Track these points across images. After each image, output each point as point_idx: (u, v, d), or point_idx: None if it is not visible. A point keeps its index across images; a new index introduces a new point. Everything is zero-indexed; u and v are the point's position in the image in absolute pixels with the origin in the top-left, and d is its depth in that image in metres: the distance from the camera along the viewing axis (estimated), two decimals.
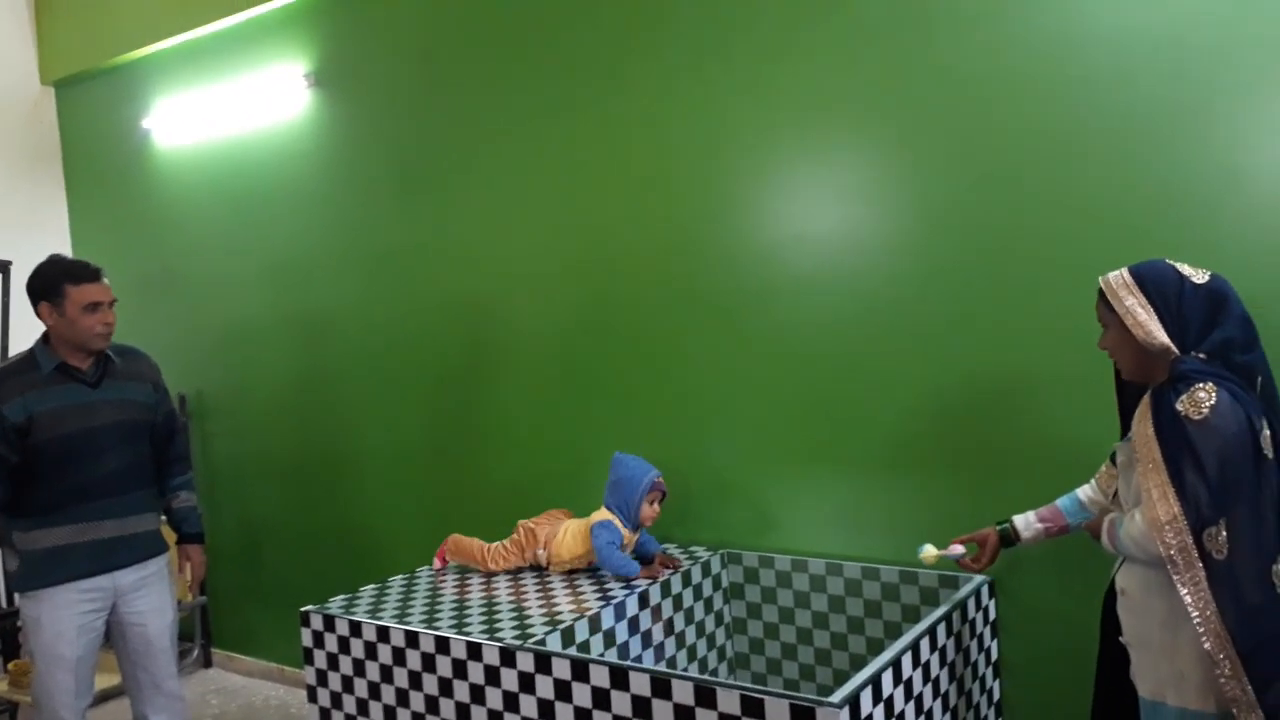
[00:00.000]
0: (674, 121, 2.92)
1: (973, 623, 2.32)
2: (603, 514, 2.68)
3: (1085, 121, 2.29)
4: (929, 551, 2.21)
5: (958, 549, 2.21)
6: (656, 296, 2.99)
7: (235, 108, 4.02)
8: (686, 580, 2.69)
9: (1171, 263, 1.82)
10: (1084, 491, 2.12)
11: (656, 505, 2.72)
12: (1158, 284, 1.79)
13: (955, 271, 2.48)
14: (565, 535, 2.73)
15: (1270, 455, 1.68)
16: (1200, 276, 1.79)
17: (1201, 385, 1.68)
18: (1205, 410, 1.66)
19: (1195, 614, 1.65)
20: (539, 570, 2.78)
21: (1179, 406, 1.69)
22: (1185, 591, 1.66)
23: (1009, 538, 2.16)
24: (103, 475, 2.62)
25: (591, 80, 3.07)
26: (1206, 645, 1.64)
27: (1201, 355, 1.75)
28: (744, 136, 2.79)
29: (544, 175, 3.21)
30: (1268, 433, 1.69)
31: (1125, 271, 1.83)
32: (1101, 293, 1.86)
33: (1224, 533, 1.65)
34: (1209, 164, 2.16)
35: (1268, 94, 2.09)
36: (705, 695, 1.85)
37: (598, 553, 2.62)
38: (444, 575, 2.81)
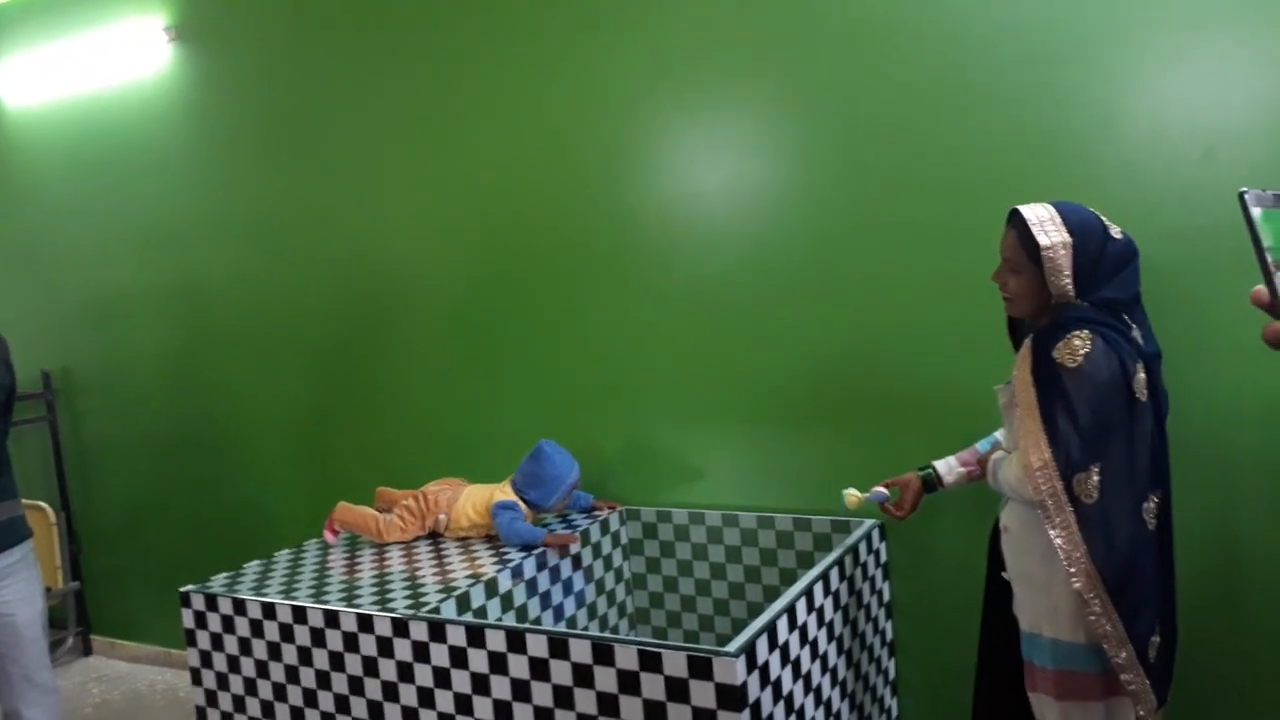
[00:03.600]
0: (563, 76, 2.84)
1: (864, 566, 2.36)
2: (506, 492, 2.64)
3: (968, 70, 2.30)
4: (852, 494, 2.21)
5: (882, 491, 2.20)
6: (552, 257, 2.93)
7: (90, 64, 3.76)
8: (585, 539, 2.67)
9: (1091, 209, 1.82)
10: (1001, 432, 2.13)
11: (568, 499, 2.71)
12: (1085, 228, 1.77)
13: (849, 223, 2.48)
14: (466, 502, 2.67)
15: (1144, 398, 1.73)
16: (1117, 231, 1.80)
17: (1078, 333, 1.71)
18: (1080, 358, 1.69)
19: (1064, 557, 1.70)
20: (434, 538, 2.72)
21: (1055, 354, 1.72)
22: (1056, 534, 1.71)
23: (931, 483, 2.16)
24: None
25: (477, 33, 2.96)
26: (1077, 585, 1.70)
27: (1086, 303, 1.77)
28: (635, 91, 2.73)
29: (430, 134, 3.09)
30: (1142, 376, 1.73)
31: (1050, 206, 1.79)
32: (1019, 224, 1.81)
33: (1095, 477, 1.69)
34: (1086, 110, 2.20)
35: (1142, 38, 2.13)
36: (603, 653, 1.84)
37: (499, 530, 2.57)
38: (334, 548, 2.72)
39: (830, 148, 2.49)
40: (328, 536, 2.77)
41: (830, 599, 2.14)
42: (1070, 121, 2.21)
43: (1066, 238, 1.76)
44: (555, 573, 2.54)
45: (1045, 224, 1.77)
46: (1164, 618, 1.78)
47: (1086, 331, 1.71)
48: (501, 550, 2.54)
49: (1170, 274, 2.10)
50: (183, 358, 3.80)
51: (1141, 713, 1.74)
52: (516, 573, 2.40)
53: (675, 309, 2.75)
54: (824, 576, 2.12)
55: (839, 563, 2.21)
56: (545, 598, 2.50)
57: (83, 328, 4.04)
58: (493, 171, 2.99)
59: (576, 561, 2.58)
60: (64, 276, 4.05)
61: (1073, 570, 1.70)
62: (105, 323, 3.98)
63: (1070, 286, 1.76)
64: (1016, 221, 1.83)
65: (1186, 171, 2.11)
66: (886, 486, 2.23)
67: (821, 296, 2.54)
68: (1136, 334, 1.79)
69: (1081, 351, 1.70)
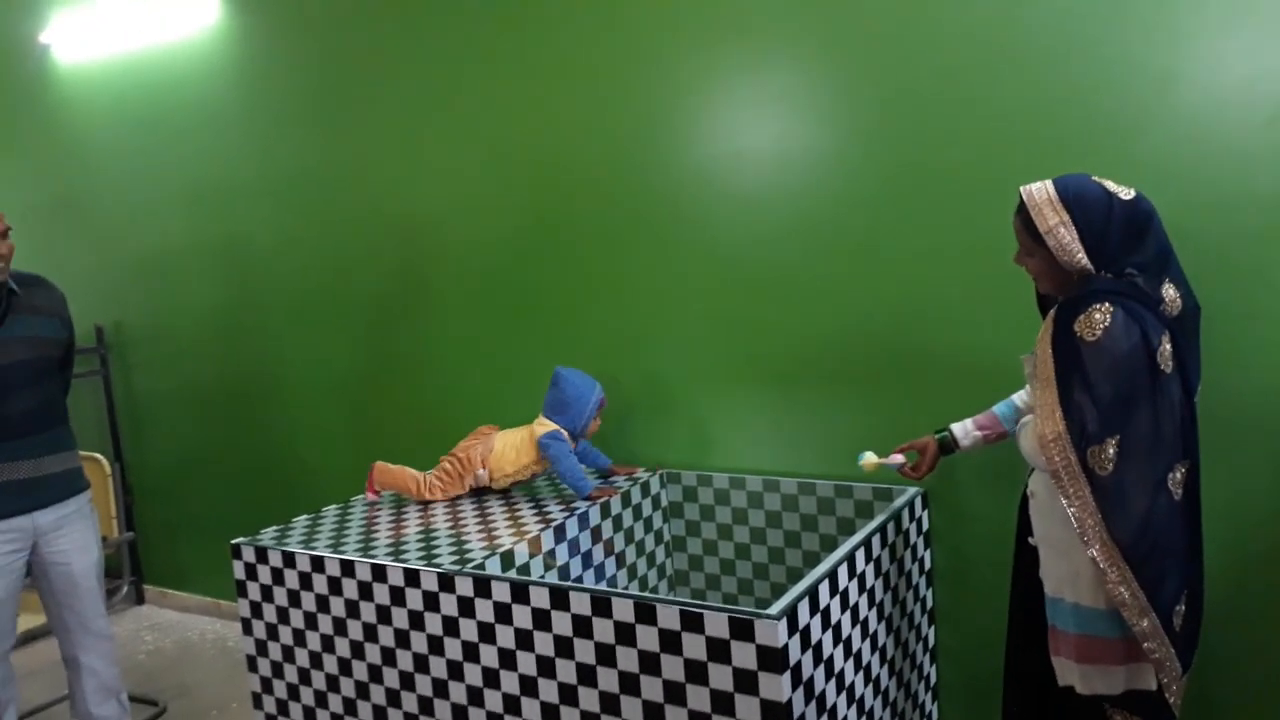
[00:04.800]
0: (604, 35, 2.82)
1: (906, 533, 2.36)
2: (545, 424, 2.66)
3: (1018, 25, 2.25)
4: (869, 459, 2.23)
5: (898, 458, 2.23)
6: (591, 215, 2.93)
7: (141, 21, 3.78)
8: (626, 501, 2.69)
9: (1097, 179, 1.79)
10: (1019, 397, 2.16)
11: (599, 419, 2.72)
12: (1083, 203, 1.75)
13: (889, 185, 2.46)
14: (503, 448, 2.69)
15: (1169, 369, 1.71)
16: (1126, 194, 1.77)
17: (1099, 306, 1.70)
18: (1099, 332, 1.68)
19: (1077, 525, 1.71)
20: (476, 495, 2.75)
21: (1075, 327, 1.71)
22: (1069, 505, 1.72)
23: (948, 445, 2.19)
24: (14, 415, 2.50)
25: None
26: (1092, 553, 1.70)
27: (1110, 275, 1.75)
28: (675, 49, 2.71)
29: (476, 93, 3.09)
30: (1168, 347, 1.71)
31: (1050, 187, 1.78)
32: (1021, 208, 1.82)
33: (1111, 449, 1.69)
34: (1142, 69, 2.14)
35: None
36: (645, 612, 1.86)
37: (556, 463, 2.60)
38: (378, 505, 2.77)
39: (872, 107, 2.46)
40: (369, 495, 2.82)
41: (872, 565, 2.15)
42: (1125, 82, 2.16)
43: (1065, 216, 1.75)
44: (597, 534, 2.57)
45: (1043, 206, 1.77)
46: (1190, 586, 1.78)
47: (1107, 304, 1.70)
48: (544, 508, 2.57)
49: (1222, 242, 2.06)
50: (229, 314, 3.86)
51: (1164, 679, 1.74)
52: (559, 533, 2.43)
53: (716, 271, 2.74)
54: (866, 543, 2.12)
55: (881, 529, 2.21)
56: (587, 558, 2.53)
57: (134, 283, 4.12)
58: (533, 131, 2.99)
59: (597, 535, 2.59)
60: (115, 232, 4.12)
61: (1087, 539, 1.71)
62: (155, 278, 4.04)
63: (1085, 261, 1.75)
64: (1020, 205, 1.83)
65: (1246, 137, 2.06)
66: (903, 451, 2.25)
67: (863, 258, 2.52)
68: (1170, 293, 1.77)
69: (1101, 325, 1.69)
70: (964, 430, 2.18)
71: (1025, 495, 2.00)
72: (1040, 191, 1.79)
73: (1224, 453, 2.10)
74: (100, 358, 4.21)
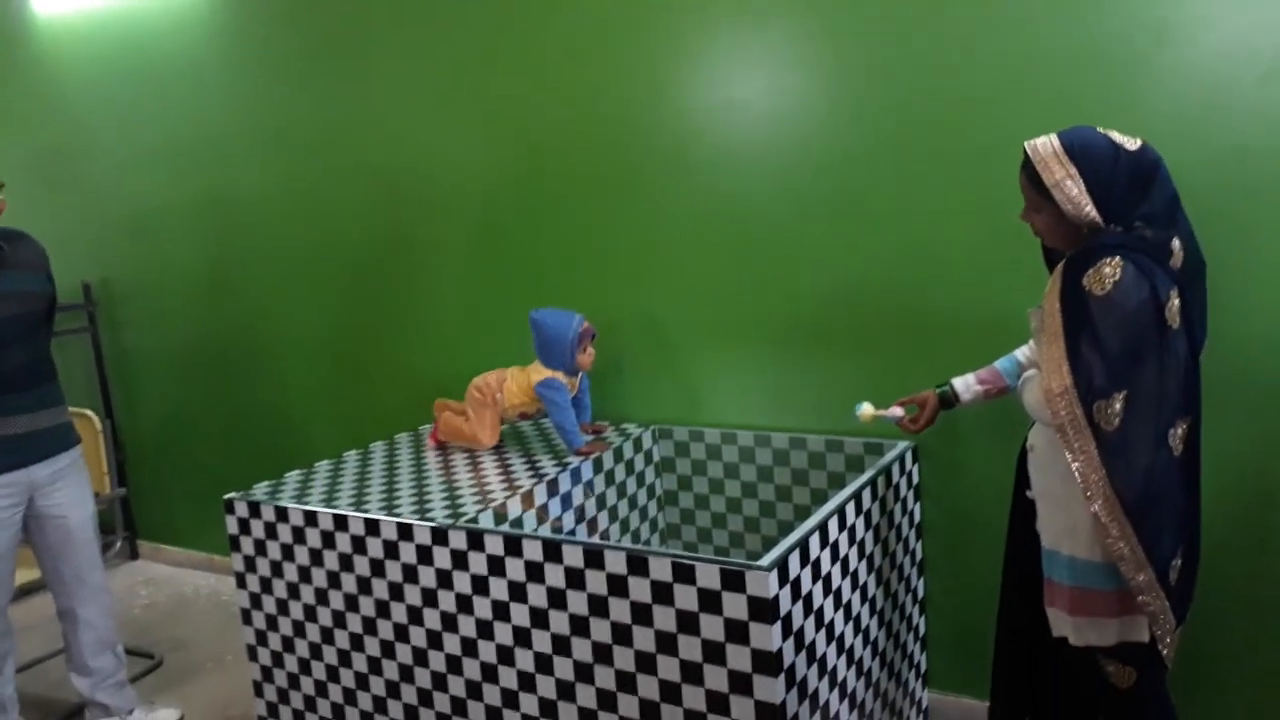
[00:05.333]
0: None
1: (897, 487, 2.38)
2: (541, 372, 2.67)
3: None
4: (866, 410, 2.23)
5: (896, 411, 2.23)
6: (581, 169, 2.91)
7: None
8: (619, 455, 2.70)
9: (1102, 130, 1.77)
10: (1022, 352, 2.15)
11: (591, 348, 2.70)
12: (1089, 155, 1.73)
13: (885, 139, 2.45)
14: (511, 384, 2.72)
15: (1177, 325, 1.71)
16: (1132, 144, 1.75)
17: (1108, 260, 1.68)
18: (1109, 285, 1.67)
19: (1081, 480, 1.71)
20: (469, 451, 2.77)
21: (1084, 282, 1.70)
22: (1074, 459, 1.72)
23: (949, 400, 2.18)
24: (7, 371, 2.49)
25: None
26: (1094, 509, 1.71)
27: (1119, 229, 1.74)
28: (669, 1, 2.68)
29: (464, 45, 3.05)
30: (1176, 303, 1.70)
31: (1055, 140, 1.76)
32: (1026, 163, 1.81)
33: (1117, 404, 1.68)
34: (1137, 22, 2.13)
35: None
36: (637, 564, 1.87)
37: (551, 410, 2.63)
38: (371, 460, 2.78)
39: (868, 59, 2.43)
40: (429, 443, 2.86)
41: (862, 518, 2.17)
42: (1120, 35, 2.14)
43: (1071, 169, 1.73)
44: (590, 488, 2.58)
45: (1049, 160, 1.75)
46: (1187, 541, 1.80)
47: (1117, 258, 1.68)
48: (536, 462, 2.58)
49: (1217, 197, 2.06)
50: (218, 270, 3.83)
51: (1157, 631, 1.77)
52: (551, 487, 2.44)
53: (708, 225, 2.73)
54: (856, 496, 2.14)
55: (871, 483, 2.23)
56: (580, 511, 2.54)
57: (120, 239, 4.08)
58: (522, 84, 2.96)
59: (588, 489, 2.61)
60: (100, 188, 4.08)
61: (1089, 494, 1.71)
62: (142, 234, 4.01)
63: (1094, 214, 1.73)
64: (1025, 160, 1.81)
65: (1240, 93, 2.05)
66: (903, 405, 2.25)
67: (855, 213, 2.51)
68: (1177, 252, 1.76)
69: (1111, 279, 1.67)
70: (965, 385, 2.17)
71: (1024, 448, 2.01)
72: (1045, 145, 1.77)
73: (1218, 408, 2.10)
74: (88, 314, 4.19)
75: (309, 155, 3.46)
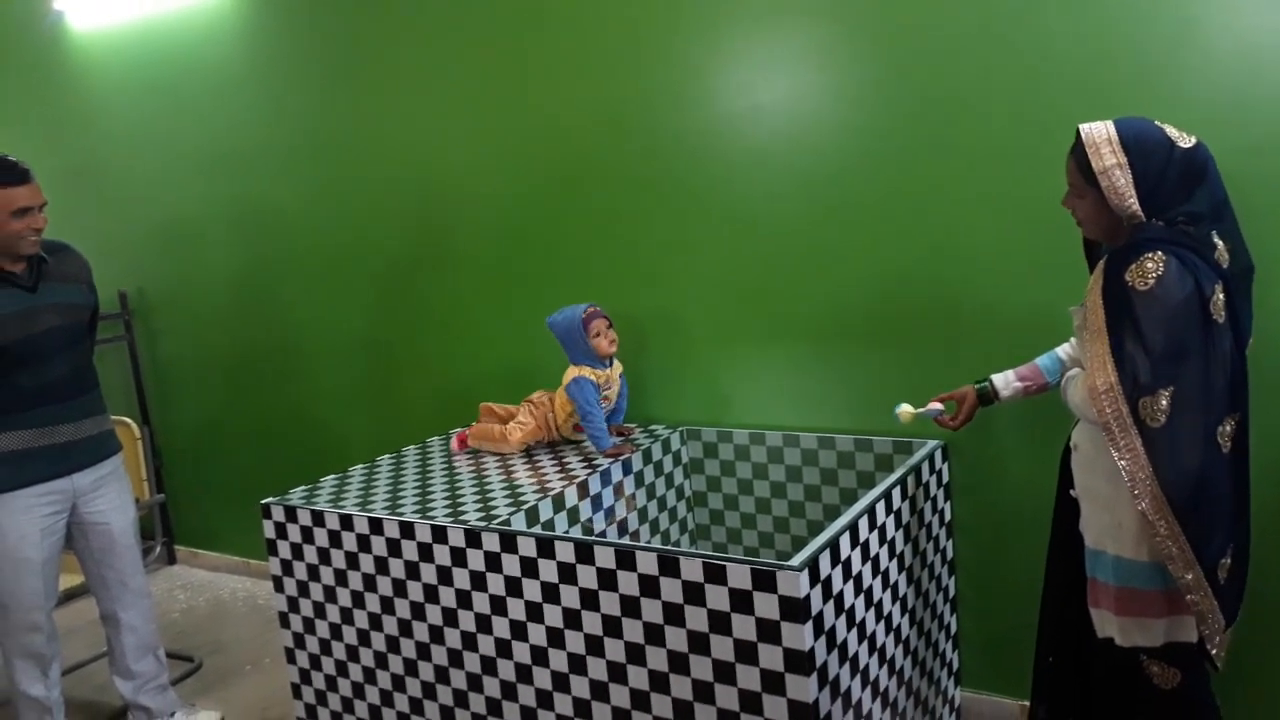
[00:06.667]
0: None
1: (927, 486, 2.38)
2: (571, 370, 2.70)
3: None
4: (905, 410, 2.23)
5: (936, 406, 2.23)
6: (610, 174, 2.93)
7: None
8: (647, 457, 2.72)
9: (1159, 124, 1.75)
10: (1064, 349, 2.13)
11: (607, 333, 2.71)
12: (1143, 147, 1.71)
13: (910, 138, 2.45)
14: (558, 398, 2.76)
15: (1221, 319, 1.68)
16: (1186, 141, 1.73)
17: (1151, 255, 1.66)
18: (1151, 280, 1.65)
19: (1128, 479, 1.70)
20: (500, 454, 2.80)
21: (1127, 276, 1.68)
22: (1120, 457, 1.70)
23: (987, 396, 2.17)
24: (52, 381, 2.55)
25: None
26: (1142, 507, 1.69)
27: (1160, 223, 1.72)
28: (695, 4, 2.69)
29: (491, 51, 3.08)
30: (1220, 297, 1.68)
31: (1111, 127, 1.74)
32: (1077, 146, 1.77)
33: (1163, 401, 1.66)
34: (1167, 12, 2.12)
35: None
36: (669, 564, 1.89)
37: (580, 412, 2.66)
38: (404, 463, 2.81)
39: (895, 51, 2.44)
40: (454, 446, 2.89)
41: (892, 517, 2.17)
42: (1151, 25, 2.13)
43: (1123, 159, 1.71)
44: (619, 490, 2.61)
45: (1101, 146, 1.72)
46: (1236, 540, 1.77)
47: (1160, 253, 1.66)
48: (566, 463, 2.61)
49: (1254, 188, 2.04)
50: (250, 278, 3.89)
51: (1206, 631, 1.75)
52: (582, 489, 2.47)
53: (732, 227, 2.75)
54: (886, 495, 2.14)
55: (901, 482, 2.23)
56: (610, 513, 2.56)
57: (154, 249, 4.15)
58: (550, 89, 2.98)
59: (620, 490, 2.63)
60: (134, 198, 4.15)
61: (1136, 492, 1.69)
62: (175, 244, 4.08)
63: (1137, 207, 1.71)
64: (1076, 144, 1.79)
65: (1275, 79, 2.03)
66: (941, 401, 2.24)
67: (882, 213, 2.52)
68: (1222, 249, 1.74)
69: (1154, 274, 1.65)
70: (1005, 381, 2.15)
71: (1068, 447, 1.99)
72: (1100, 131, 1.74)
73: (1265, 408, 2.07)
74: (124, 323, 4.26)
75: (339, 163, 3.51)
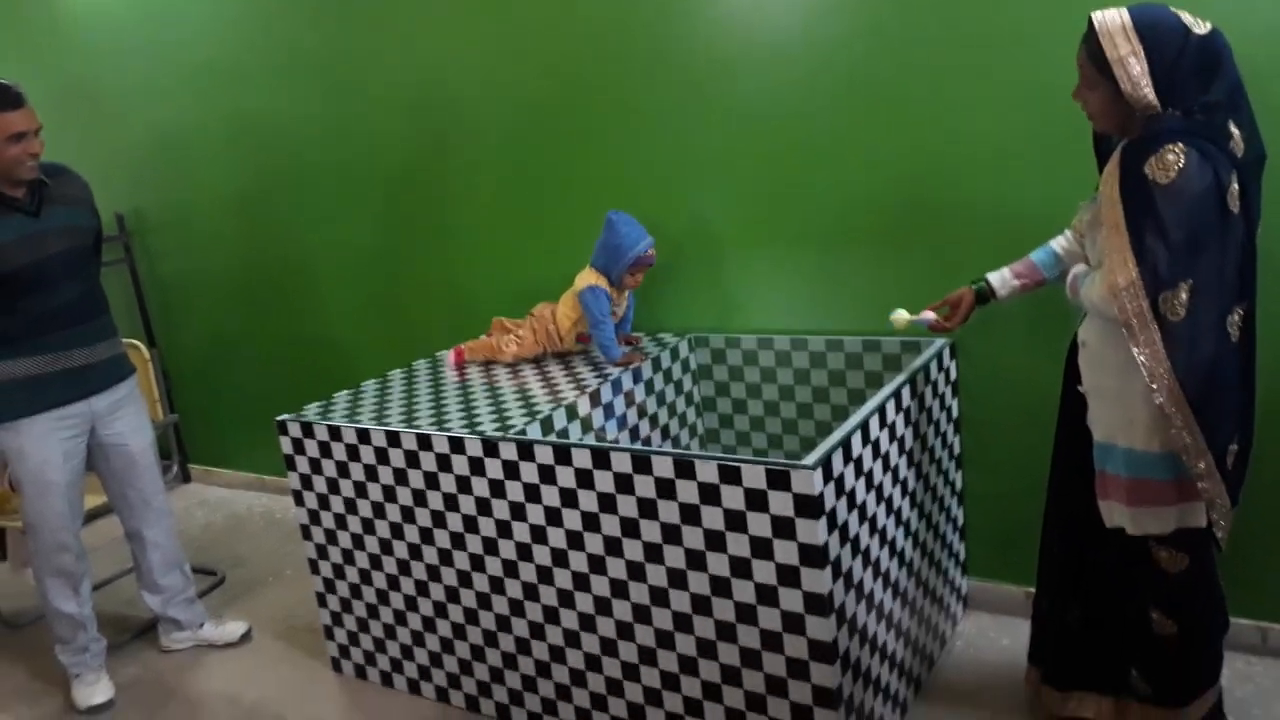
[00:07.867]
0: None
1: (934, 384, 2.41)
2: (589, 276, 2.70)
3: None
4: (900, 315, 2.24)
5: (929, 315, 2.22)
6: (613, 75, 2.87)
7: None
8: (656, 365, 2.75)
9: (1174, 10, 1.69)
10: (1059, 243, 2.12)
11: (639, 275, 2.72)
12: (1158, 34, 1.66)
13: (920, 36, 2.40)
14: (561, 306, 2.77)
15: (1236, 210, 1.68)
16: (1202, 28, 1.68)
17: (1171, 146, 1.64)
18: (1174, 173, 1.63)
19: (1148, 374, 1.70)
20: (511, 365, 2.82)
21: (1146, 170, 1.65)
22: (1140, 353, 1.69)
23: (984, 295, 2.17)
24: (62, 305, 2.55)
25: None
26: (1159, 400, 1.70)
27: (1179, 113, 1.69)
28: None
29: None
30: (1235, 187, 1.67)
31: (1124, 14, 1.68)
32: (1089, 35, 1.73)
33: (1183, 294, 1.66)
34: None
35: None
36: (684, 468, 1.93)
37: (590, 320, 2.68)
38: (416, 378, 2.84)
39: None
40: (449, 359, 2.92)
41: (901, 415, 2.21)
42: None
43: (1137, 46, 1.66)
44: (630, 398, 2.64)
45: (1114, 34, 1.68)
46: (1242, 426, 1.80)
47: (1181, 144, 1.64)
48: (577, 374, 2.63)
49: (1269, 75, 2.01)
50: (250, 194, 3.86)
51: (1214, 515, 1.79)
52: (595, 398, 2.50)
53: (737, 127, 2.71)
54: (896, 394, 2.17)
55: (911, 380, 2.26)
56: (622, 420, 2.60)
57: (150, 168, 4.10)
58: None
59: (630, 398, 2.66)
60: (127, 116, 4.08)
61: (1155, 386, 1.70)
62: (171, 162, 4.03)
63: (1152, 97, 1.68)
64: (1087, 33, 1.74)
65: None
66: (936, 307, 2.24)
67: (886, 111, 2.48)
68: (1238, 138, 1.71)
69: (1175, 166, 1.63)
70: (1001, 279, 2.15)
71: (1074, 344, 1.99)
72: (1113, 18, 1.69)
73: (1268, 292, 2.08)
74: (124, 245, 4.24)
75: (337, 76, 3.44)
